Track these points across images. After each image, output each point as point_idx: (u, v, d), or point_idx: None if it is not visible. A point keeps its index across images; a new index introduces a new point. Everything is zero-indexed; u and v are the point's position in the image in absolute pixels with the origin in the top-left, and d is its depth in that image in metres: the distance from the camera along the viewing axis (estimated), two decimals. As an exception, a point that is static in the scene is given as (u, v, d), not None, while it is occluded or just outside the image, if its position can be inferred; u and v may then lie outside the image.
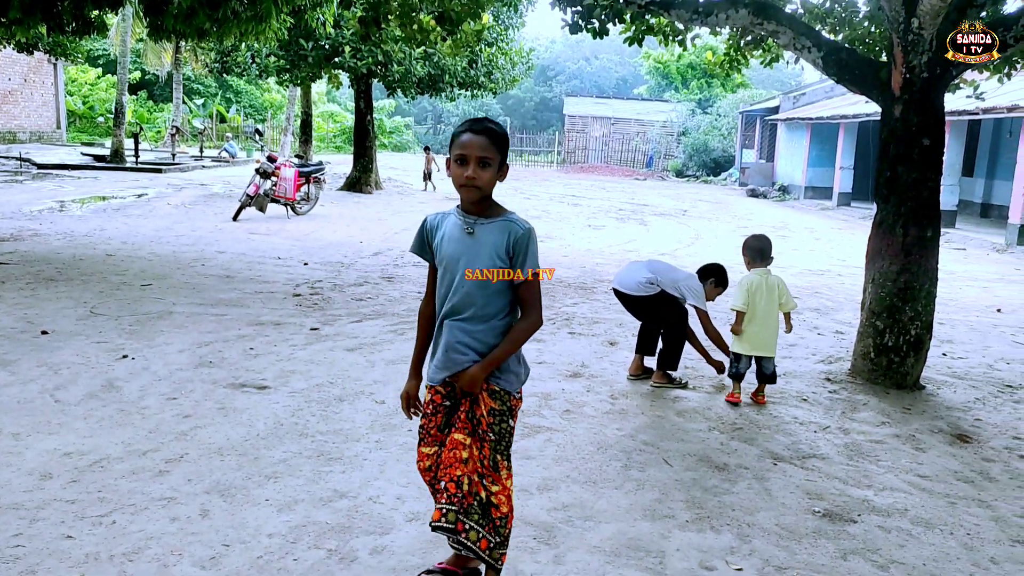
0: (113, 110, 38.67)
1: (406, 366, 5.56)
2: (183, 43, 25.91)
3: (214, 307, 6.97)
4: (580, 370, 5.66)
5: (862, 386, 5.49)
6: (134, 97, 39.95)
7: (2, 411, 4.30)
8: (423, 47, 12.96)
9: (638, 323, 5.64)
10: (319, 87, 38.45)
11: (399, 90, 17.77)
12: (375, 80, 18.56)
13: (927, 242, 5.39)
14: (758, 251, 5.10)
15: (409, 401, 2.79)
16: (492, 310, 2.58)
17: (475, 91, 18.47)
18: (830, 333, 7.23)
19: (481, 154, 2.49)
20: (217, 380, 5.02)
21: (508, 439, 2.65)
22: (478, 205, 2.58)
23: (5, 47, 18.92)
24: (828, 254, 13.32)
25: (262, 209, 13.45)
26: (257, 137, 22.32)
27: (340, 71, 17.36)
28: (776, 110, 28.13)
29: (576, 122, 40.30)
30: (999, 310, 8.88)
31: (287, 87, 41.57)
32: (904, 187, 5.40)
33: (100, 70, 41.29)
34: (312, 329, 6.41)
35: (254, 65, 17.71)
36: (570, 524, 3.36)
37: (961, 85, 7.51)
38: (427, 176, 21.19)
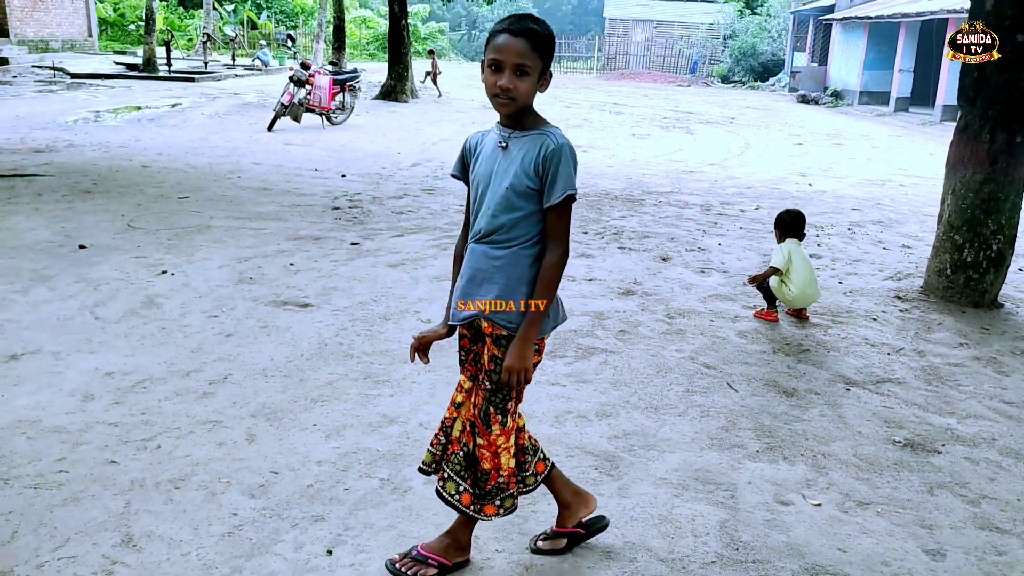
0: (144, 17, 38.11)
1: (448, 283, 5.40)
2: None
3: (252, 221, 6.79)
4: (633, 287, 5.40)
5: (936, 304, 5.16)
6: (164, 3, 39.19)
7: (42, 329, 4.19)
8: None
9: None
10: (351, -9, 37.28)
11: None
12: (410, -19, 17.76)
13: (1015, 148, 4.95)
14: (792, 226, 4.86)
15: (418, 348, 2.47)
16: (518, 234, 2.21)
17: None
18: (896, 247, 6.83)
19: (519, 61, 2.11)
20: (258, 297, 4.86)
21: (508, 392, 2.27)
22: (514, 118, 2.22)
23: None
24: (887, 163, 12.67)
25: (297, 119, 13.12)
26: (290, 43, 21.76)
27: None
28: (831, 9, 26.58)
29: (617, 25, 38.73)
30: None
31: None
32: (993, 88, 4.92)
33: (129, -25, 40.43)
34: (353, 244, 6.21)
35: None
36: (633, 453, 3.18)
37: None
38: (434, 79, 21.16)
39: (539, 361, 2.35)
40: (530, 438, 2.50)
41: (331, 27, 23.89)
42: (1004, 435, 3.46)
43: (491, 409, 2.29)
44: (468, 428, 2.36)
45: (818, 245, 6.68)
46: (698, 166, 11.41)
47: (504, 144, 2.23)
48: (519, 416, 2.42)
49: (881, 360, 4.25)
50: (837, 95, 24.68)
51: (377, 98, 18.75)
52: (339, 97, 13.77)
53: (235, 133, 12.50)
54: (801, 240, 4.85)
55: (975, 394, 3.88)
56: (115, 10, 39.46)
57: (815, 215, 7.70)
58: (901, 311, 5.08)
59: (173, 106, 15.97)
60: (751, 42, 32.13)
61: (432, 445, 2.43)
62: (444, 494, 2.38)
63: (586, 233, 6.89)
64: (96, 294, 4.77)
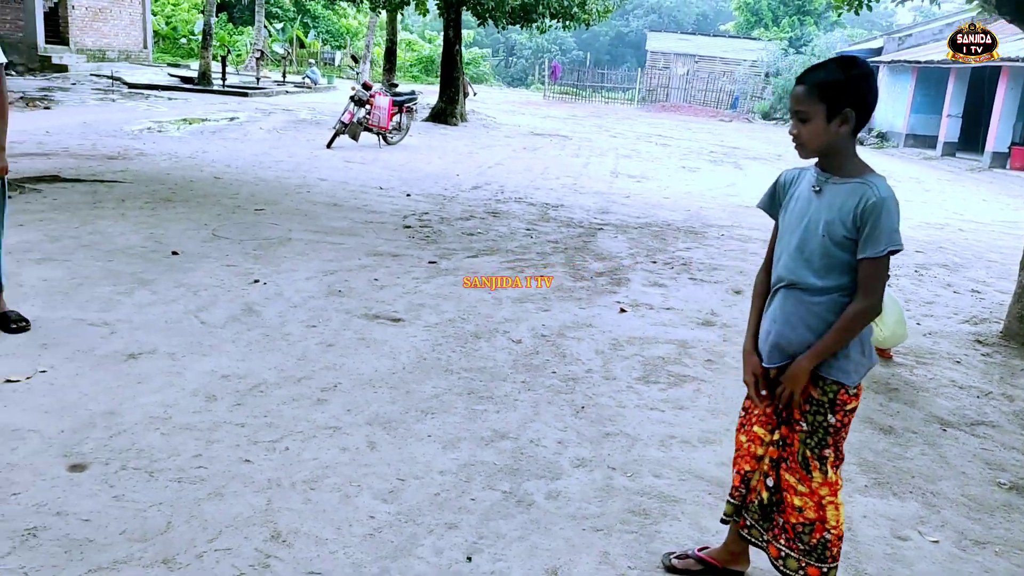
0: (195, 31, 38.95)
1: (532, 305, 5.54)
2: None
3: (329, 235, 6.96)
4: (711, 318, 5.48)
5: (1017, 350, 5.19)
6: (215, 19, 40.11)
7: (152, 330, 4.34)
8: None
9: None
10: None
11: (490, 20, 17.33)
12: (465, 9, 18.13)
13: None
14: None
15: (757, 382, 2.38)
16: (832, 283, 2.22)
17: (567, 22, 17.91)
18: (966, 292, 6.85)
19: (796, 107, 2.20)
20: (350, 310, 4.99)
21: (823, 436, 2.26)
22: (830, 161, 2.23)
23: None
24: (941, 206, 12.67)
25: (355, 137, 13.39)
26: (353, 63, 22.16)
27: (433, -2, 16.98)
28: (879, 52, 26.68)
29: (658, 58, 39.06)
30: None
31: (366, 14, 41.10)
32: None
33: (182, -10, 41.47)
34: (430, 262, 6.35)
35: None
36: (743, 480, 3.24)
37: None
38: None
39: (855, 407, 2.29)
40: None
41: (381, 49, 24.36)
42: (1107, 483, 3.48)
43: (808, 453, 2.29)
44: (762, 478, 2.39)
45: (888, 286, 6.71)
46: (752, 201, 11.47)
47: (818, 188, 2.24)
48: (838, 475, 2.33)
49: (972, 403, 4.29)
50: (882, 136, 24.67)
51: (426, 120, 19.05)
52: (396, 118, 14.04)
53: (295, 148, 12.78)
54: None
55: (1071, 441, 3.90)
56: (167, 23, 40.48)
57: (880, 256, 7.74)
58: (983, 355, 5.11)
59: (231, 120, 16.33)
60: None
61: (732, 497, 2.46)
62: (751, 539, 2.47)
63: (655, 262, 6.99)
64: (196, 299, 4.93)
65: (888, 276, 2.25)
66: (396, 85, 17.28)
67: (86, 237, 6.10)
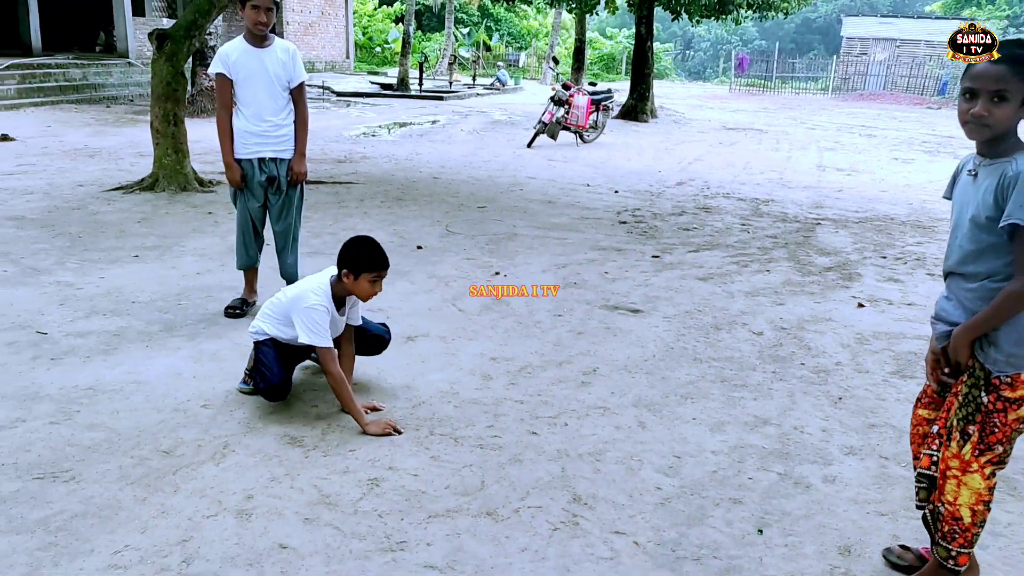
0: (389, 40, 41.30)
1: (765, 299, 5.58)
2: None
3: (552, 231, 7.30)
4: (957, 315, 5.26)
5: None
6: (404, 26, 42.37)
7: (420, 316, 4.82)
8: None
9: None
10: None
11: (685, 14, 17.20)
12: (657, 4, 18.11)
13: None
14: None
15: (936, 360, 2.40)
16: (986, 268, 2.21)
17: (765, 12, 17.44)
18: None
19: (996, 87, 2.11)
20: (590, 301, 5.26)
21: (972, 411, 2.25)
22: (990, 145, 2.20)
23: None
24: None
25: (553, 136, 13.80)
26: (552, 65, 22.78)
27: (627, -5, 17.10)
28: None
29: (854, 44, 36.94)
30: None
31: (547, 15, 41.73)
32: None
33: (376, 2, 44.12)
34: (654, 256, 6.52)
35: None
36: (1027, 478, 3.17)
37: None
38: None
39: (1020, 399, 2.22)
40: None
41: (567, 47, 24.79)
42: None
43: (954, 422, 2.30)
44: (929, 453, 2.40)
45: None
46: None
47: (974, 172, 2.25)
48: (990, 475, 2.30)
49: None
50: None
51: (617, 117, 19.20)
52: (593, 116, 14.31)
53: (498, 148, 13.36)
54: None
55: None
56: (364, 34, 43.26)
57: None
58: None
59: (433, 123, 17.29)
60: (1014, 61, 29.44)
61: (918, 499, 2.49)
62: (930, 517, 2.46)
63: (884, 257, 6.77)
64: (449, 289, 5.39)
65: None
66: (594, 84, 17.55)
67: (341, 233, 6.77)
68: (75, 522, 2.61)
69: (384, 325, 3.93)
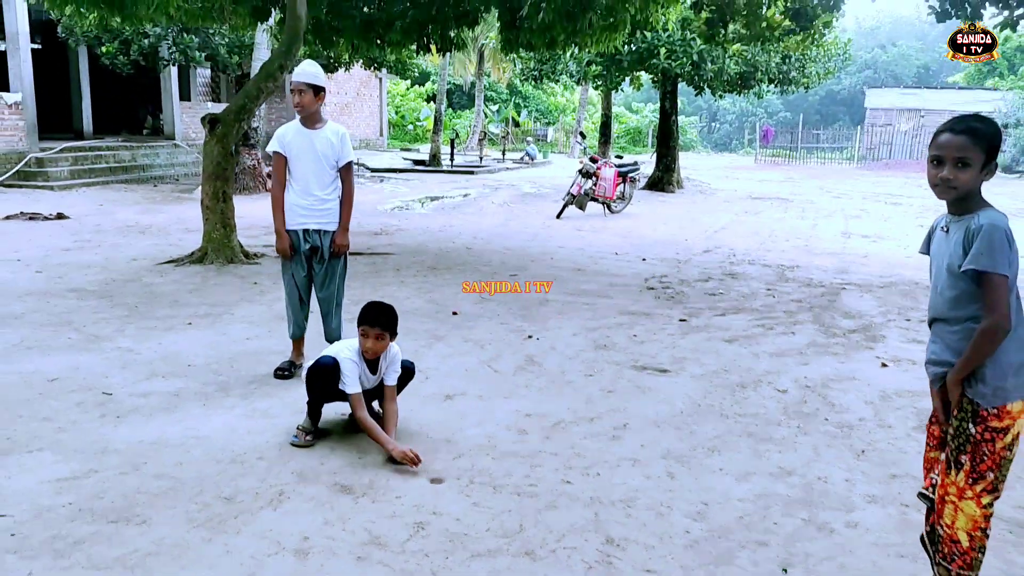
0: (420, 118, 42.66)
1: (790, 359, 5.76)
2: (497, 54, 27.87)
3: (581, 297, 7.56)
4: (980, 373, 5.39)
5: None
6: (434, 104, 43.84)
7: (458, 377, 5.06)
8: (752, 43, 12.82)
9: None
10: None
11: (708, 89, 17.77)
12: (682, 81, 18.73)
13: None
14: None
15: (941, 406, 2.62)
16: (964, 313, 2.45)
17: (785, 87, 17.96)
18: None
19: (959, 154, 2.39)
20: (619, 362, 5.48)
21: (963, 442, 2.48)
22: (957, 204, 2.47)
23: (353, 67, 21.77)
24: None
25: (582, 207, 14.20)
26: (580, 139, 23.48)
27: (652, 73, 17.74)
28: None
29: (879, 115, 37.47)
30: None
31: (573, 91, 42.92)
32: None
33: (408, 82, 45.81)
34: (681, 320, 6.74)
35: (574, 72, 18.64)
36: (1045, 524, 3.29)
37: None
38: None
39: (1006, 428, 2.44)
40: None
41: (587, 124, 25.52)
42: None
43: (949, 454, 2.53)
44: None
45: None
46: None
47: (946, 228, 2.52)
48: (987, 505, 2.51)
49: None
50: None
51: (644, 188, 19.65)
52: (620, 187, 14.73)
53: (528, 220, 13.77)
54: None
55: None
56: (396, 112, 44.83)
57: None
58: None
59: (464, 196, 17.83)
60: (1040, 130, 29.71)
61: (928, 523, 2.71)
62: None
63: (908, 320, 6.92)
64: (484, 352, 5.64)
65: (1008, 298, 2.36)
66: (620, 156, 18.07)
67: (380, 300, 7.10)
68: (149, 560, 2.85)
69: (409, 361, 4.26)
